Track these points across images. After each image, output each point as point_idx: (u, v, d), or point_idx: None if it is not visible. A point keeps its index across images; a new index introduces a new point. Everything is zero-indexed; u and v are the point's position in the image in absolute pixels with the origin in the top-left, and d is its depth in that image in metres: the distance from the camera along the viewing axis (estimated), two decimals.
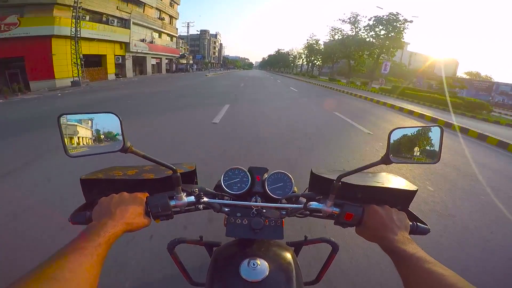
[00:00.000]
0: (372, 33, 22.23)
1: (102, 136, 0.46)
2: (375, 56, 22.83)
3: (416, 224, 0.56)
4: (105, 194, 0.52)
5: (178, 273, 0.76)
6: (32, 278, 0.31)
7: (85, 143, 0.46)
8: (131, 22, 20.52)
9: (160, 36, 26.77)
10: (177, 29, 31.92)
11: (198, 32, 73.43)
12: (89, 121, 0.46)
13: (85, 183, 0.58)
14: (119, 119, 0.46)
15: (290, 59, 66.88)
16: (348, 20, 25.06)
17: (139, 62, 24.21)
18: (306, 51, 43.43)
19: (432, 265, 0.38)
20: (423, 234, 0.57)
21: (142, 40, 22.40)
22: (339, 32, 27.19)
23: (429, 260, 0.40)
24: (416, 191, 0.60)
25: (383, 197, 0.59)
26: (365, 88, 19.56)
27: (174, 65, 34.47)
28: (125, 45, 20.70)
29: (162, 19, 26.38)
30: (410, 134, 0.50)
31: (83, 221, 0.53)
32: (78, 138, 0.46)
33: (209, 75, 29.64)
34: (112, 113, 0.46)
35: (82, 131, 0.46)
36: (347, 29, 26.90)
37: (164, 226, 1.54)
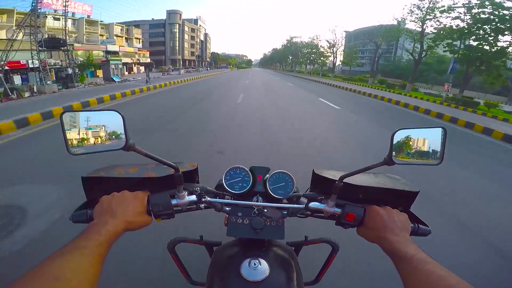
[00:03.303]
0: None
1: (105, 134, 0.46)
2: None
3: (418, 225, 0.56)
4: (107, 192, 0.52)
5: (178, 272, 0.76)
6: (32, 277, 0.31)
7: (87, 141, 0.46)
8: None
9: None
10: None
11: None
12: (92, 119, 0.46)
13: (87, 181, 0.57)
14: (122, 117, 0.45)
15: (321, 50, 40.74)
16: None
17: None
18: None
19: (433, 267, 0.38)
20: (424, 235, 0.57)
21: None
22: None
23: (430, 261, 0.40)
24: (418, 192, 0.59)
25: (385, 198, 0.59)
26: None
27: None
28: None
29: None
30: (413, 135, 0.50)
31: (84, 220, 0.53)
32: (81, 136, 0.45)
33: None
34: (115, 110, 0.46)
35: (85, 129, 0.46)
36: None
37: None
